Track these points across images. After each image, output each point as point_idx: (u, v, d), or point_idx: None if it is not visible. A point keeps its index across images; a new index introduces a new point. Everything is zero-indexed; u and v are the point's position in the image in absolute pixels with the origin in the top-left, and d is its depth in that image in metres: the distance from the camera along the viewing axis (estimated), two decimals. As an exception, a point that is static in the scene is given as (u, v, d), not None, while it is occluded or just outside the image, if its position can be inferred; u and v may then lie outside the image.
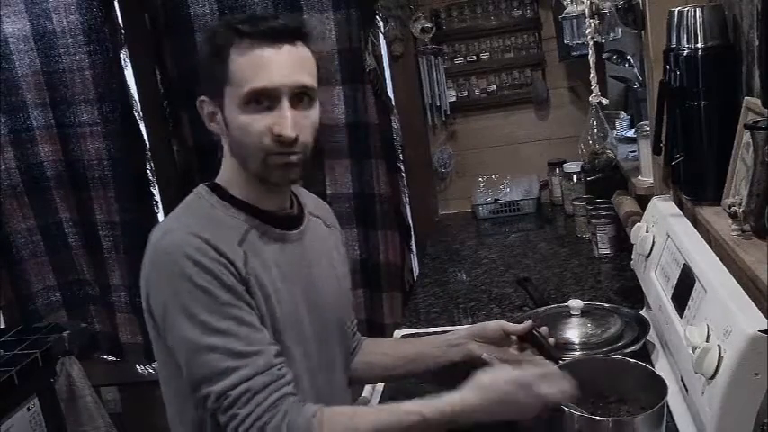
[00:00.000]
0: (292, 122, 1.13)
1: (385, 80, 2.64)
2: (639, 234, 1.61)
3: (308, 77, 1.17)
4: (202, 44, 1.23)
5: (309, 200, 1.39)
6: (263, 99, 1.13)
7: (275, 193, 1.25)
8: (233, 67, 1.13)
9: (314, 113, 1.19)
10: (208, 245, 1.11)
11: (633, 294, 1.81)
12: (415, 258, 2.81)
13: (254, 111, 1.14)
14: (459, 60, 2.86)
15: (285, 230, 1.26)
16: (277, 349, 1.13)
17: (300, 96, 1.16)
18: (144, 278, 1.15)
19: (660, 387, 1.16)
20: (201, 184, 1.26)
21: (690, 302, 1.24)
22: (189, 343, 1.09)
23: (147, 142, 2.83)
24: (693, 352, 1.09)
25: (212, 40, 1.17)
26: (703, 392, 1.11)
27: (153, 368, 2.97)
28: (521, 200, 2.78)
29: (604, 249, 2.18)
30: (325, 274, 1.33)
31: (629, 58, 2.25)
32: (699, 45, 1.41)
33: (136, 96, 2.79)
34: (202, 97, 1.21)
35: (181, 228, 1.15)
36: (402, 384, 1.53)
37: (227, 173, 1.24)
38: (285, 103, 1.14)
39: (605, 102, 1.78)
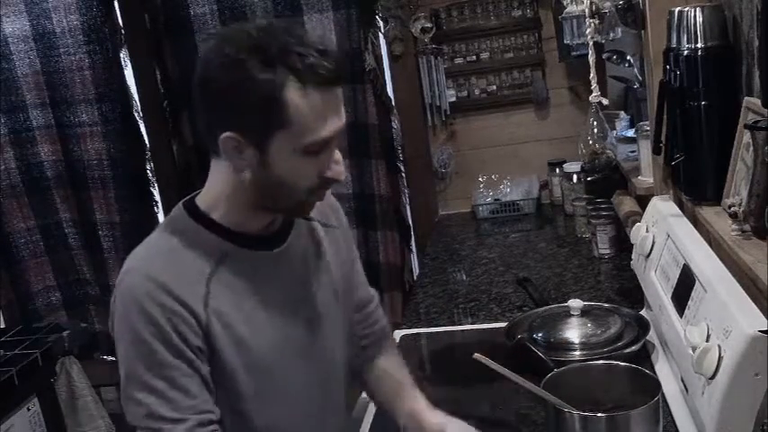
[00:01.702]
0: (343, 166, 1.13)
1: (385, 80, 2.65)
2: (639, 234, 1.61)
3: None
4: (226, 75, 1.05)
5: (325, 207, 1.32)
6: (321, 144, 1.08)
7: (267, 217, 1.19)
8: (295, 113, 1.04)
9: None
10: (164, 291, 1.07)
11: (633, 294, 1.81)
12: (415, 258, 2.81)
13: (309, 153, 1.08)
14: (459, 60, 2.86)
15: (267, 250, 1.19)
16: (204, 419, 1.09)
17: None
18: (111, 303, 1.13)
19: (654, 386, 1.16)
20: (180, 203, 1.19)
21: (690, 302, 1.24)
22: (123, 388, 1.09)
23: (146, 142, 2.83)
24: (693, 352, 1.09)
25: (252, 77, 1.03)
26: (703, 392, 1.11)
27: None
28: (521, 200, 2.78)
29: (604, 249, 2.18)
30: (319, 286, 1.26)
31: (629, 58, 2.25)
32: (699, 45, 1.41)
33: (136, 96, 2.79)
34: (229, 134, 1.06)
35: (141, 268, 1.11)
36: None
37: (214, 196, 1.16)
38: (335, 147, 1.11)
39: (605, 102, 1.78)
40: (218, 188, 1.16)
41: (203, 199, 1.18)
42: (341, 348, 1.31)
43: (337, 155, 1.12)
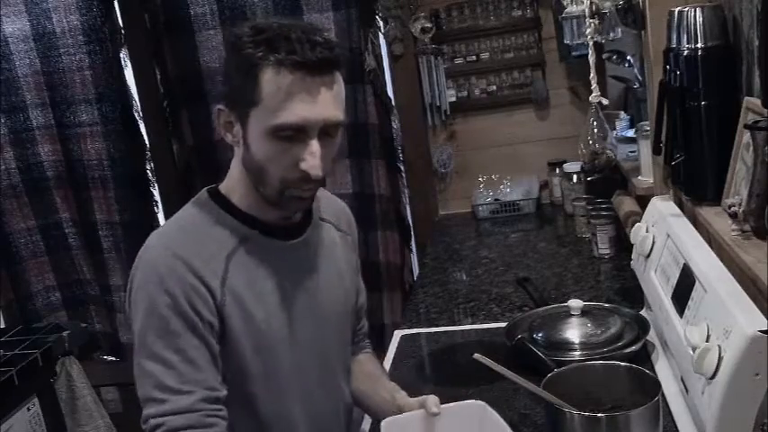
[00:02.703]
0: (321, 162, 1.10)
1: (385, 80, 2.65)
2: (639, 234, 1.61)
3: (341, 111, 1.13)
4: (229, 52, 1.15)
5: (324, 201, 1.34)
6: (292, 130, 1.09)
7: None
8: (265, 92, 1.08)
9: (337, 142, 1.16)
10: (184, 264, 1.10)
11: (633, 294, 1.81)
12: (415, 258, 2.81)
13: (281, 140, 1.09)
14: (459, 60, 2.86)
15: (285, 240, 1.22)
16: (211, 395, 1.10)
17: (329, 130, 1.12)
18: (129, 278, 1.16)
19: (654, 386, 1.15)
20: (205, 189, 1.24)
21: (690, 302, 1.24)
22: (135, 360, 1.11)
23: (146, 142, 2.84)
24: (693, 352, 1.09)
25: (241, 53, 1.09)
26: (703, 392, 1.11)
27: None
28: (521, 200, 2.78)
29: (604, 249, 2.18)
30: (331, 284, 1.29)
31: (629, 58, 2.25)
32: (699, 45, 1.41)
33: (136, 96, 2.79)
34: (221, 106, 1.15)
35: (163, 242, 1.15)
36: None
37: (232, 180, 1.21)
38: (315, 140, 1.10)
39: (605, 102, 1.78)
40: (234, 172, 1.21)
41: (225, 184, 1.22)
42: (343, 347, 1.34)
43: (314, 147, 1.10)
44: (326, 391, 1.28)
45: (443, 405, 1.18)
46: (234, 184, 1.21)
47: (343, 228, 1.37)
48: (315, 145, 1.10)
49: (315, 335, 1.25)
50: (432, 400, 1.18)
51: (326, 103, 1.09)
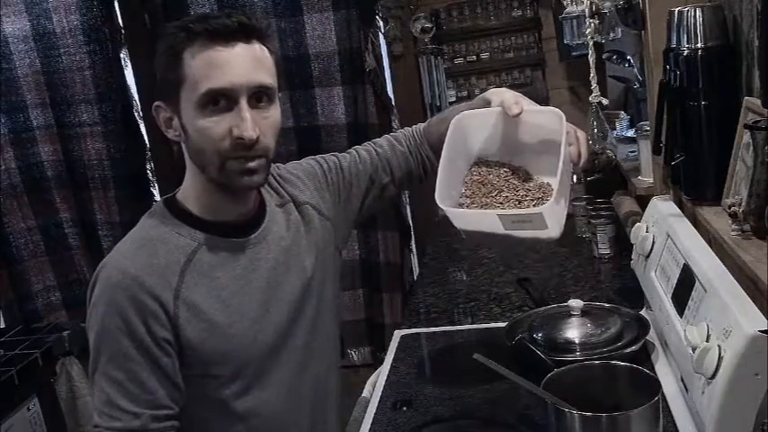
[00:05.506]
0: (252, 123, 1.10)
1: (385, 80, 2.65)
2: (639, 234, 1.60)
3: (267, 76, 1.13)
4: (157, 48, 1.16)
5: (287, 182, 1.33)
6: (221, 100, 1.09)
7: (236, 201, 1.20)
8: (187, 68, 1.10)
9: (274, 113, 1.15)
10: (136, 283, 1.10)
11: (633, 294, 1.81)
12: (415, 258, 2.81)
13: (211, 113, 1.10)
14: (459, 60, 2.86)
15: (243, 237, 1.21)
16: (160, 413, 1.11)
17: (259, 96, 1.12)
18: (88, 292, 1.16)
19: (654, 386, 1.15)
20: (160, 199, 1.25)
21: (690, 302, 1.24)
22: (90, 372, 1.14)
23: (147, 142, 2.84)
24: (693, 352, 1.09)
25: (165, 42, 1.13)
26: (703, 392, 1.11)
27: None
28: (521, 200, 2.78)
29: (604, 249, 2.17)
30: (299, 267, 1.28)
31: (629, 58, 2.25)
32: (699, 45, 1.41)
33: (136, 96, 2.79)
34: (158, 103, 1.16)
35: (116, 260, 1.14)
36: (402, 392, 1.54)
37: (187, 184, 1.21)
38: (243, 104, 1.10)
39: (605, 102, 1.78)
40: (187, 176, 1.21)
41: (180, 191, 1.23)
42: (325, 326, 1.33)
43: (244, 111, 1.10)
44: (311, 377, 1.28)
45: (526, 108, 1.20)
46: (188, 188, 1.20)
47: (303, 199, 1.33)
48: (244, 109, 1.10)
49: (290, 325, 1.24)
50: (511, 99, 1.21)
51: (249, 67, 1.11)
